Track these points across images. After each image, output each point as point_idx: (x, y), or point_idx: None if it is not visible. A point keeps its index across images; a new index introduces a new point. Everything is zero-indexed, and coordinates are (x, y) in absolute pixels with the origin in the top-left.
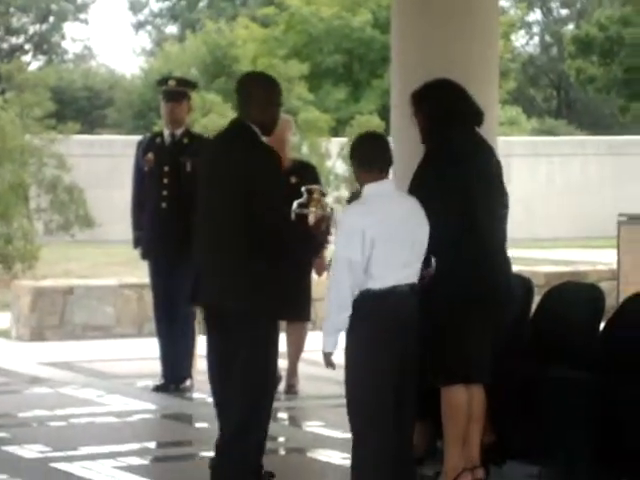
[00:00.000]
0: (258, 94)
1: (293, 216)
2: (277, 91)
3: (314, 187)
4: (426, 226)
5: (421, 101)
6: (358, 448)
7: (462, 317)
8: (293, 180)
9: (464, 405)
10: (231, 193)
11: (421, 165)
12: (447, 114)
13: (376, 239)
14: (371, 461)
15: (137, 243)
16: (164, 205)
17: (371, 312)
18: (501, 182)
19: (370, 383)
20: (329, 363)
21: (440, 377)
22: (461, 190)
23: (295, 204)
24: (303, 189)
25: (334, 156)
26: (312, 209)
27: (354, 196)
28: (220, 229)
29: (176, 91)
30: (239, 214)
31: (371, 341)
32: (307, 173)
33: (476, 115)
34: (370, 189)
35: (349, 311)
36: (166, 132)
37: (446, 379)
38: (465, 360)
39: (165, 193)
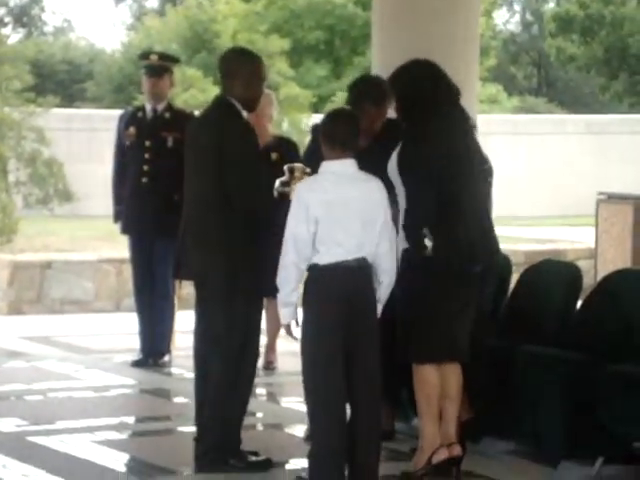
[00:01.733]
0: (240, 70)
1: (275, 194)
2: (260, 67)
3: (296, 165)
4: (382, 207)
5: (394, 83)
6: (311, 417)
7: (441, 296)
8: (274, 156)
9: (436, 382)
10: (207, 168)
11: (400, 147)
12: (419, 95)
13: (320, 216)
14: (326, 429)
15: (117, 217)
16: (145, 180)
17: (317, 286)
18: (480, 153)
19: (317, 354)
20: (289, 334)
21: (415, 355)
22: (436, 169)
23: (277, 182)
24: (285, 167)
25: None
26: (294, 187)
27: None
28: (198, 205)
29: (158, 65)
30: (215, 189)
31: (317, 313)
32: (288, 149)
33: (451, 94)
34: (327, 166)
35: (291, 285)
36: (148, 107)
37: (422, 358)
38: (444, 340)
39: (146, 168)
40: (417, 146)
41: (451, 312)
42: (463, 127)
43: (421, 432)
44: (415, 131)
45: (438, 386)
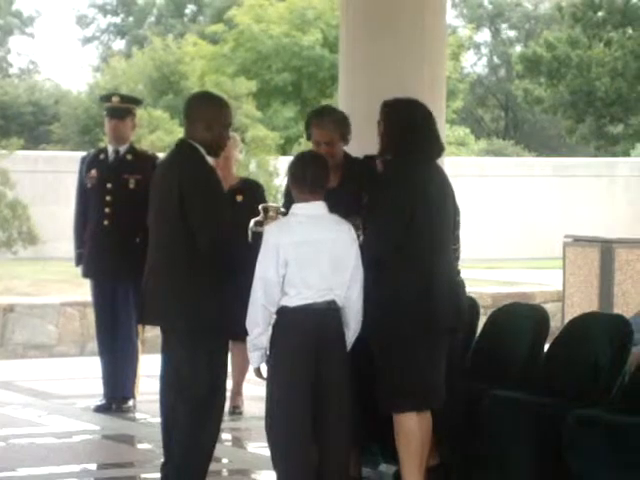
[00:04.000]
0: (203, 113)
1: (250, 234)
2: (223, 111)
3: (270, 205)
4: (353, 250)
5: (390, 113)
6: (275, 466)
7: (413, 345)
8: (239, 198)
9: (417, 431)
10: (169, 212)
11: (373, 191)
12: (409, 137)
13: (289, 259)
14: (291, 477)
15: (79, 261)
16: (106, 222)
17: (285, 328)
18: (456, 221)
19: (283, 398)
20: (259, 376)
21: (392, 405)
22: (404, 215)
23: (252, 222)
24: (260, 207)
25: (282, 174)
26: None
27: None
28: (162, 249)
29: (120, 108)
30: (178, 233)
31: (285, 356)
32: (253, 191)
33: (438, 147)
34: (296, 209)
35: (260, 328)
36: (110, 149)
37: (399, 407)
38: (420, 388)
39: (107, 210)
40: (395, 183)
41: (429, 359)
42: (442, 178)
43: None
44: (396, 168)
45: (420, 435)
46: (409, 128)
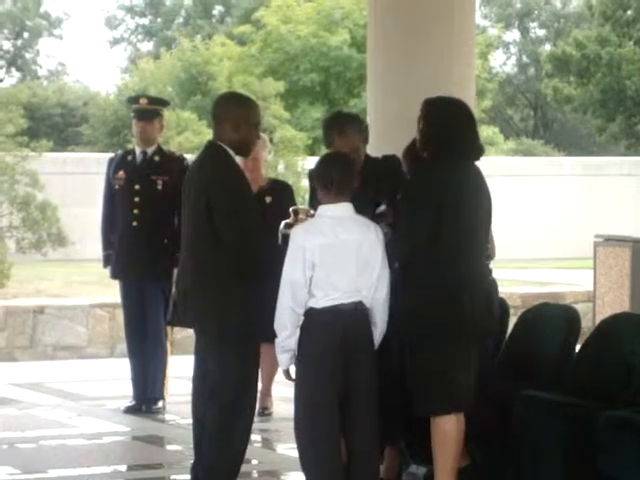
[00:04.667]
0: (230, 114)
1: (280, 237)
2: (250, 111)
3: (300, 207)
4: (379, 252)
5: (431, 111)
6: (303, 467)
7: (450, 347)
8: (268, 200)
9: (456, 434)
10: (198, 215)
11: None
12: (450, 138)
13: (316, 261)
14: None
15: (107, 262)
16: (135, 224)
17: (313, 330)
18: (488, 219)
19: (311, 399)
20: (289, 378)
21: (431, 407)
22: (434, 217)
23: (282, 224)
24: (290, 209)
25: None
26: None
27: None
28: (192, 251)
29: (147, 109)
30: (207, 234)
31: (312, 358)
32: (283, 193)
33: (477, 149)
34: (323, 210)
35: (288, 330)
36: (137, 150)
37: (438, 409)
38: (458, 389)
39: (136, 212)
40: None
41: (462, 361)
42: (479, 180)
43: None
44: (430, 170)
45: (456, 437)
46: (449, 128)
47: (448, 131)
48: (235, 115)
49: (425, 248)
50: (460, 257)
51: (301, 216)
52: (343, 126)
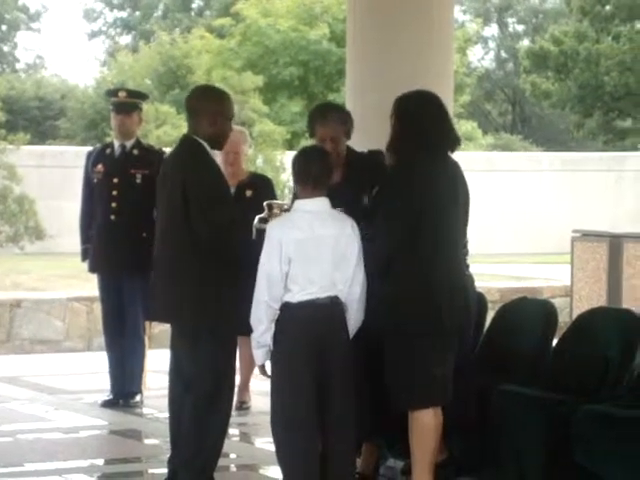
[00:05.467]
0: (204, 107)
1: (254, 231)
2: (224, 104)
3: (275, 202)
4: (355, 247)
5: (402, 107)
6: (279, 461)
7: (427, 342)
8: (248, 194)
9: (434, 428)
10: (174, 209)
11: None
12: (421, 131)
13: (292, 255)
14: (297, 474)
15: (85, 256)
16: (113, 217)
17: (288, 325)
18: (466, 212)
19: (287, 393)
20: (263, 374)
21: (408, 401)
22: (411, 214)
23: (256, 219)
24: (264, 204)
25: (289, 169)
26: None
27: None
28: (167, 245)
29: (126, 103)
30: (183, 228)
31: (288, 352)
32: (263, 187)
33: (453, 140)
34: (299, 204)
35: (264, 325)
36: (116, 143)
37: (416, 403)
38: (435, 383)
39: (114, 205)
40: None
41: (437, 356)
42: (454, 171)
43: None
44: (405, 165)
45: (436, 433)
46: (421, 123)
47: (421, 125)
48: (211, 109)
49: (403, 244)
50: (438, 253)
51: (275, 210)
52: (325, 113)
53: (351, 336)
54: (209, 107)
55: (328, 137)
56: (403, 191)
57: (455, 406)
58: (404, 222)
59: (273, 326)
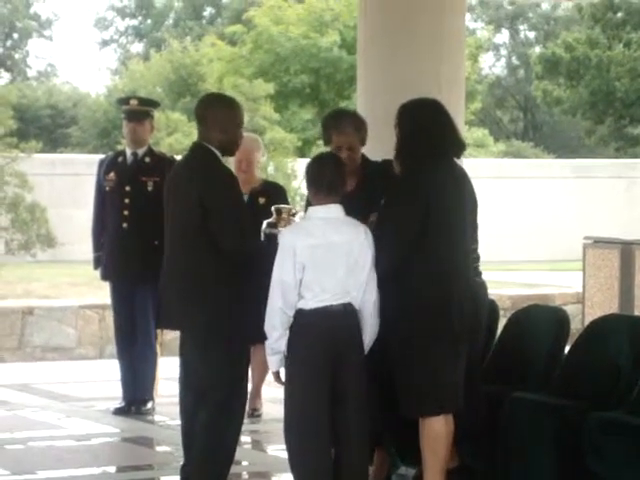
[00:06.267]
0: (214, 115)
1: (262, 236)
2: (237, 112)
3: (283, 207)
4: (369, 254)
5: (404, 116)
6: (293, 469)
7: (437, 349)
8: (261, 201)
9: (445, 435)
10: (185, 216)
11: (389, 192)
12: (426, 139)
13: (305, 262)
14: None
15: (97, 264)
16: (125, 225)
17: (302, 331)
18: (474, 218)
19: (300, 401)
20: (278, 381)
21: (419, 408)
22: (419, 221)
23: (265, 224)
24: (273, 208)
25: (300, 176)
26: (281, 229)
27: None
28: (178, 252)
29: (138, 110)
30: (196, 237)
31: (302, 359)
32: (276, 194)
33: (457, 146)
34: (313, 211)
35: (278, 331)
36: (128, 151)
37: (427, 411)
38: (446, 390)
39: (126, 213)
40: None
41: (449, 362)
42: (460, 176)
43: None
44: (410, 172)
45: (447, 440)
46: (420, 130)
47: (426, 133)
48: (222, 117)
49: (411, 249)
50: (447, 259)
51: (284, 215)
52: (340, 121)
53: (370, 342)
54: (218, 115)
55: (344, 145)
56: (409, 197)
57: (466, 413)
58: (412, 227)
59: (287, 333)
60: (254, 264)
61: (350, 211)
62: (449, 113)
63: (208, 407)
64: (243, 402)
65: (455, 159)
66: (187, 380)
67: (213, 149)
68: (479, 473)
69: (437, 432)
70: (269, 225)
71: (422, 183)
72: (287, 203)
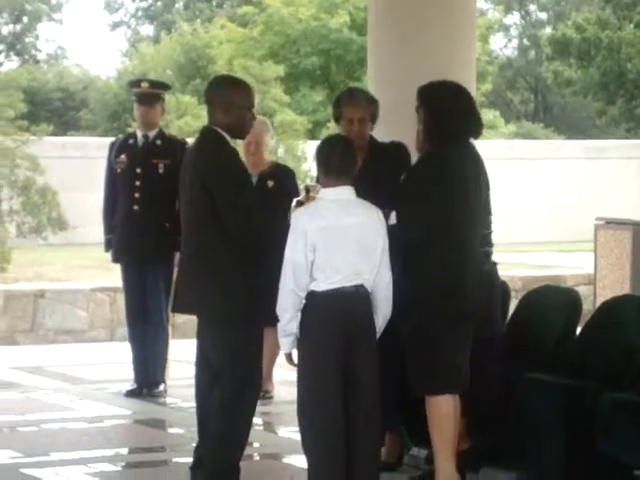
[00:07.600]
0: (219, 97)
1: (291, 215)
2: (242, 93)
3: (311, 185)
4: (381, 235)
5: (431, 99)
6: (305, 450)
7: (447, 329)
8: (270, 184)
9: (452, 414)
10: (195, 200)
11: (412, 169)
12: (451, 120)
13: (318, 244)
14: (322, 462)
15: (108, 246)
16: (136, 207)
17: (314, 313)
18: (488, 204)
19: (313, 382)
20: (290, 362)
21: (426, 387)
22: (442, 206)
23: (294, 202)
24: (301, 187)
25: (310, 159)
26: None
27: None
28: (191, 236)
29: (149, 93)
30: (205, 219)
31: (314, 341)
32: (285, 177)
33: (478, 127)
34: (324, 193)
35: (290, 313)
36: (139, 134)
37: (434, 389)
38: (454, 370)
39: (137, 195)
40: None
41: (457, 342)
42: (475, 158)
43: (436, 466)
44: (436, 151)
45: (455, 419)
46: (450, 114)
47: (454, 117)
48: (224, 99)
49: (431, 230)
50: (461, 241)
51: (312, 194)
52: (353, 94)
53: (382, 325)
54: (223, 97)
55: (356, 117)
56: (433, 178)
57: (476, 394)
58: (433, 209)
59: (299, 315)
60: (265, 246)
61: (355, 188)
62: (471, 94)
63: (223, 390)
64: (258, 385)
65: (472, 140)
66: (203, 363)
67: (222, 132)
68: (491, 454)
69: (444, 412)
70: (298, 203)
71: (447, 166)
72: (296, 185)
